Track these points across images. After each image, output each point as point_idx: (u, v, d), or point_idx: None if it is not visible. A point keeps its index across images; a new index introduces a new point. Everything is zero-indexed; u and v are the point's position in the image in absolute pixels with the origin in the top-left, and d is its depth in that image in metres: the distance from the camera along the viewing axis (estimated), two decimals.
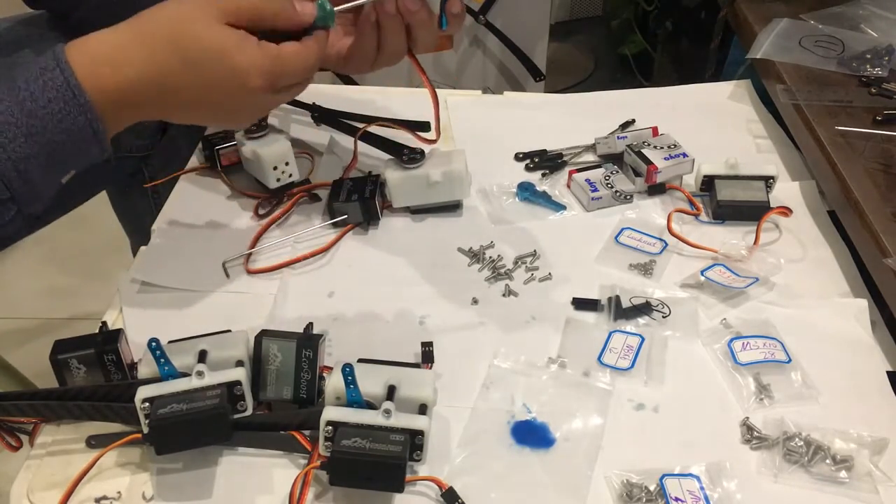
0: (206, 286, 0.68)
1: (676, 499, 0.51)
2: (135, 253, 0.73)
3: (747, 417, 0.57)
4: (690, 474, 0.53)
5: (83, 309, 1.58)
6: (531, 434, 0.56)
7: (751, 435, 0.56)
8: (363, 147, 0.81)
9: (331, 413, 0.50)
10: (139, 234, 0.99)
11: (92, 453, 0.55)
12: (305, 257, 0.71)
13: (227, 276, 0.69)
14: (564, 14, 2.16)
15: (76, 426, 0.57)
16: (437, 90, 0.73)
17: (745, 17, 0.98)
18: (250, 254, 0.71)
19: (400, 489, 0.49)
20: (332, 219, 0.74)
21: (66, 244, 1.69)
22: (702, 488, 0.52)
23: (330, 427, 0.50)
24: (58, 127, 0.50)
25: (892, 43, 0.89)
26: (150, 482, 0.53)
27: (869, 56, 0.88)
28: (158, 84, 0.52)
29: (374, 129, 0.81)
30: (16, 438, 0.57)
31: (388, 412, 0.50)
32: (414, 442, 0.50)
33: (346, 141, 0.84)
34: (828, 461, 0.53)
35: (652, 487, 0.52)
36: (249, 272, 0.70)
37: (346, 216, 0.73)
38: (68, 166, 0.54)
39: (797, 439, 0.54)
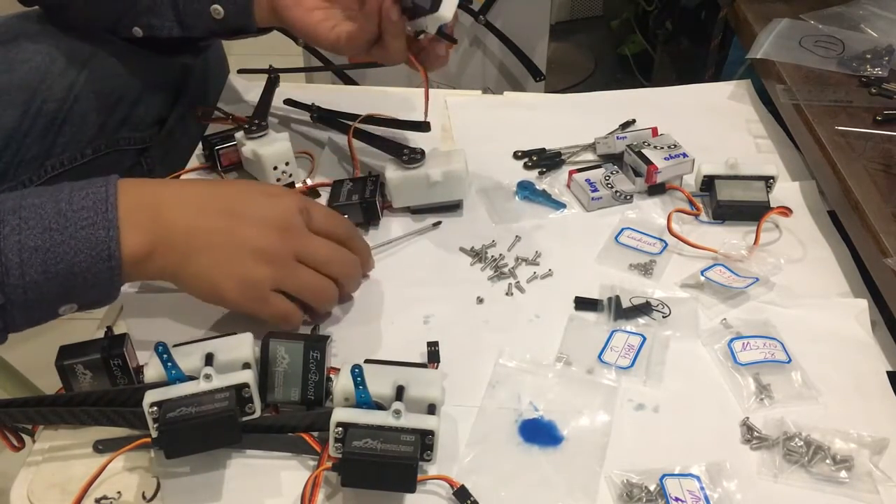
0: None
1: (676, 499, 0.52)
2: None
3: (747, 417, 0.57)
4: (690, 474, 0.53)
5: None
6: (539, 432, 0.56)
7: (751, 435, 0.56)
8: (362, 147, 0.81)
9: (341, 414, 0.50)
10: None
11: (92, 453, 0.55)
12: None
13: None
14: (564, 14, 2.16)
15: (77, 426, 0.57)
16: (437, 90, 0.74)
17: (745, 17, 0.99)
18: None
19: (412, 489, 0.49)
20: None
21: None
22: (702, 488, 0.52)
23: (340, 428, 0.50)
24: (78, 233, 0.50)
25: (892, 43, 0.89)
26: (151, 483, 0.53)
27: (869, 56, 0.88)
28: (191, 228, 0.54)
29: (374, 129, 0.81)
30: (19, 439, 0.57)
31: (398, 412, 0.50)
32: (424, 442, 0.50)
33: (344, 141, 0.84)
34: (828, 461, 0.54)
35: (652, 487, 0.52)
36: None
37: (346, 217, 0.74)
38: (68, 286, 0.52)
39: (797, 439, 0.55)
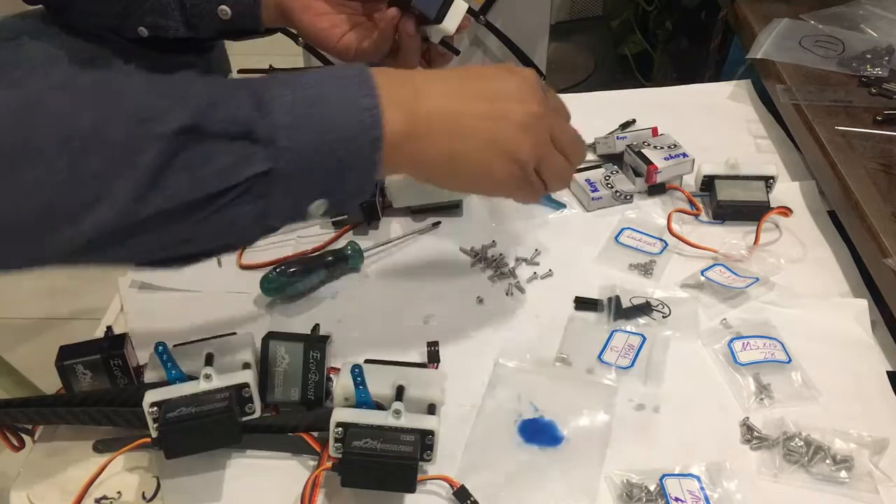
0: (206, 287, 0.69)
1: (676, 499, 0.52)
2: None
3: (747, 417, 0.57)
4: (690, 474, 0.53)
5: (84, 308, 1.59)
6: (539, 432, 0.57)
7: (751, 435, 0.56)
8: None
9: (341, 414, 0.50)
10: None
11: (92, 453, 0.55)
12: (302, 254, 0.71)
13: (220, 265, 0.69)
14: (564, 14, 2.17)
15: (77, 426, 0.57)
16: None
17: (745, 17, 0.99)
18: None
19: (412, 489, 0.49)
20: (332, 219, 0.74)
21: None
22: (702, 488, 0.52)
23: (340, 429, 0.50)
24: (342, 99, 0.46)
25: (892, 43, 0.89)
26: (151, 483, 0.53)
27: (869, 56, 0.88)
28: (453, 112, 0.51)
29: None
30: (19, 439, 0.57)
31: (398, 413, 0.50)
32: (424, 442, 0.50)
33: None
34: (828, 461, 0.54)
35: (652, 487, 0.53)
36: (242, 267, 0.70)
37: (346, 216, 0.74)
38: (330, 164, 0.46)
39: (797, 439, 0.55)
